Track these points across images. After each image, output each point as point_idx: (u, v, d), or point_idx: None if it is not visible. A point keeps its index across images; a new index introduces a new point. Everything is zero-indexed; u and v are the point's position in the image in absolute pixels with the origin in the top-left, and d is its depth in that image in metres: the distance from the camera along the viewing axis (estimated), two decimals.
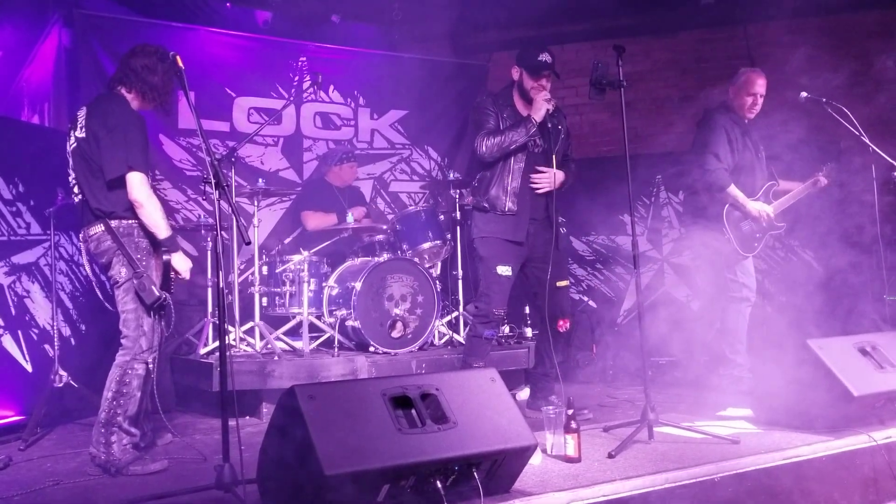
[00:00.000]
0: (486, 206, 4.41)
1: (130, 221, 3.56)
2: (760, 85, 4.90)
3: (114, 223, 3.55)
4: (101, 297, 3.88)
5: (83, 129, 3.57)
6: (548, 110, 4.31)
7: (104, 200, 3.54)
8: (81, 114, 3.64)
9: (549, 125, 4.37)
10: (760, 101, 4.94)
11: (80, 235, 3.70)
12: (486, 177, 4.44)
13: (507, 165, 4.38)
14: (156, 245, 3.62)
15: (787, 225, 5.17)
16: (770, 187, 5.08)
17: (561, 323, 4.43)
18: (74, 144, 3.62)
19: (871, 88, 6.85)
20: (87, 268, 3.80)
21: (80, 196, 3.64)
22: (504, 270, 4.35)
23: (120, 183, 3.48)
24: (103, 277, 3.96)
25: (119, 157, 3.45)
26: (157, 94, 3.69)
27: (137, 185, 3.47)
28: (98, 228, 3.57)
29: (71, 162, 3.66)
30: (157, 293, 3.52)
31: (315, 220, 5.97)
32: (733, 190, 4.85)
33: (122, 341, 3.58)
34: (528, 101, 4.41)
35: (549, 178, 4.40)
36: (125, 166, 3.45)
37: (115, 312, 3.65)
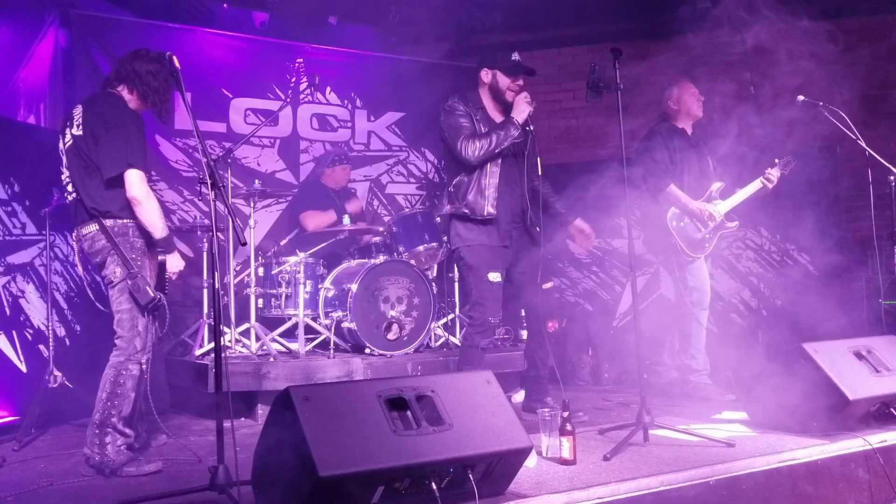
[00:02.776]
0: (466, 211, 4.30)
1: (125, 221, 3.55)
2: (694, 89, 5.34)
3: (108, 222, 3.53)
4: (92, 297, 3.86)
5: (80, 127, 3.55)
6: (530, 112, 4.26)
7: (99, 199, 3.52)
8: (77, 111, 3.62)
9: (531, 126, 4.30)
10: (702, 99, 5.33)
11: (74, 234, 3.69)
12: (463, 182, 4.33)
13: (484, 169, 4.29)
14: (150, 245, 3.61)
15: (739, 223, 5.35)
16: (718, 188, 5.26)
17: (550, 324, 4.43)
18: (70, 142, 3.60)
19: (869, 93, 6.88)
20: (80, 267, 3.80)
21: (74, 195, 3.62)
22: (495, 277, 4.30)
23: (117, 182, 3.47)
24: (98, 277, 3.95)
25: (119, 155, 3.44)
26: (159, 99, 3.70)
27: (136, 182, 3.46)
28: (92, 228, 3.56)
29: (65, 160, 3.65)
30: (152, 294, 3.51)
31: (315, 220, 5.96)
32: (673, 189, 5.11)
33: (117, 342, 3.57)
34: (501, 103, 4.37)
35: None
36: (125, 164, 3.43)
37: (110, 313, 3.64)
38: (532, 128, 4.33)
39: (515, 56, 4.34)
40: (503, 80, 4.35)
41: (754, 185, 5.19)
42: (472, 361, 4.37)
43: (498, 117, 4.39)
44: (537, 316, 4.36)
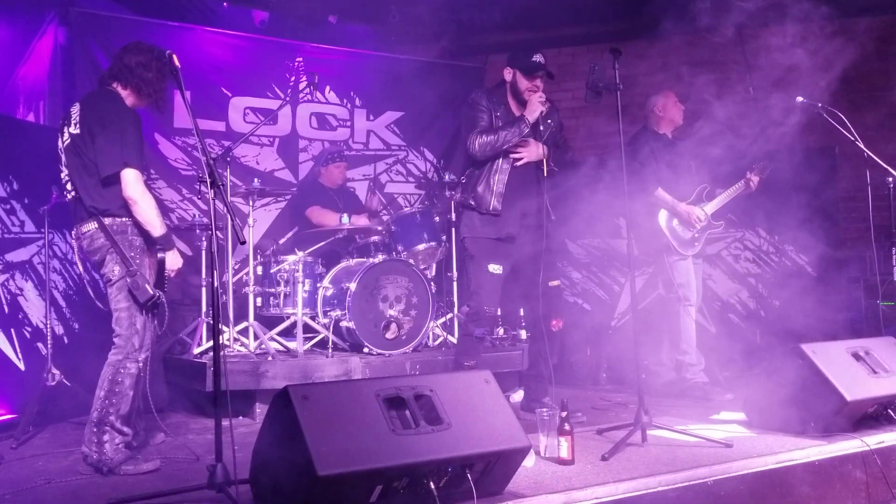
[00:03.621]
0: (473, 203, 4.40)
1: (124, 219, 3.54)
2: (673, 97, 5.50)
3: (107, 221, 3.53)
4: (92, 295, 3.86)
5: (77, 126, 3.55)
6: (542, 112, 4.32)
7: (98, 198, 3.52)
8: (75, 110, 3.62)
9: (542, 126, 4.37)
10: (682, 107, 5.50)
11: (73, 233, 3.68)
12: (474, 174, 4.44)
13: (495, 164, 4.36)
14: (149, 243, 3.61)
15: (724, 223, 5.56)
16: (703, 190, 5.43)
17: (554, 323, 4.44)
18: (68, 141, 3.59)
19: (868, 94, 6.88)
20: (80, 266, 3.79)
21: (72, 193, 3.61)
22: (495, 269, 4.34)
23: (115, 180, 3.46)
24: (96, 275, 3.94)
25: (115, 153, 3.44)
26: (152, 91, 3.67)
27: (132, 182, 3.45)
28: (91, 226, 3.55)
29: (63, 158, 3.64)
30: (151, 291, 3.50)
31: (320, 217, 5.95)
32: (661, 193, 5.30)
33: (115, 340, 3.56)
34: (521, 102, 4.42)
35: (528, 151, 4.37)
36: (121, 163, 3.43)
37: (108, 311, 3.64)
38: (545, 124, 4.38)
39: (537, 58, 4.39)
40: (521, 81, 4.41)
41: (736, 188, 5.38)
42: (467, 350, 4.41)
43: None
44: (543, 314, 4.38)
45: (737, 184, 5.36)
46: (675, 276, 5.31)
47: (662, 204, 5.30)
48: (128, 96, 3.66)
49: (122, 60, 3.65)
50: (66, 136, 3.61)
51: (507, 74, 4.47)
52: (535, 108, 4.31)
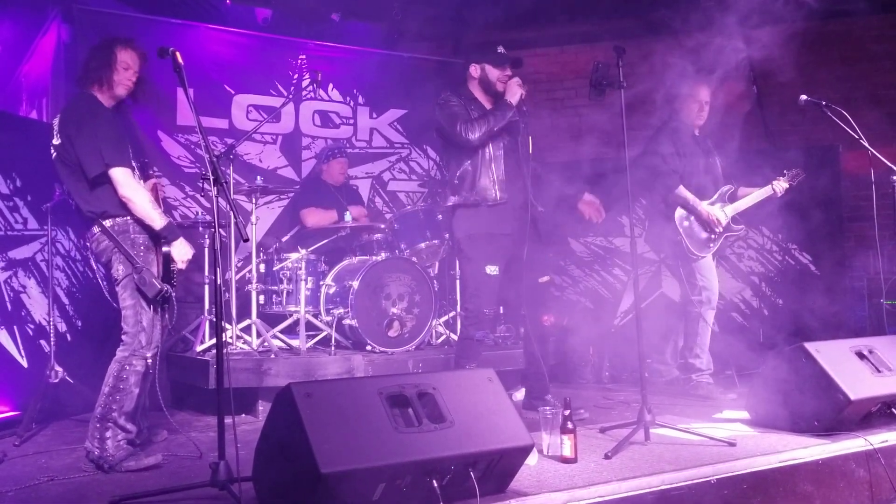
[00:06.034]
0: (476, 199, 4.34)
1: (125, 218, 3.55)
2: (705, 93, 5.23)
3: (108, 223, 3.54)
4: (108, 296, 3.87)
5: (58, 136, 3.57)
6: (522, 95, 4.34)
7: (93, 201, 3.53)
8: (55, 121, 3.64)
9: (525, 108, 4.39)
10: (706, 108, 5.23)
11: (86, 238, 3.71)
12: (468, 172, 4.38)
13: (486, 158, 4.36)
14: (154, 239, 3.61)
15: (744, 226, 5.32)
16: (726, 191, 5.24)
17: (545, 318, 4.45)
18: (55, 153, 3.61)
19: (872, 92, 6.86)
20: (96, 269, 3.81)
21: (73, 202, 3.64)
22: (492, 270, 4.33)
23: (103, 180, 3.48)
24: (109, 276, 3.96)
25: (95, 155, 3.45)
26: (101, 76, 3.61)
27: (122, 181, 3.47)
28: (95, 230, 3.58)
29: (57, 170, 3.65)
30: (159, 286, 3.50)
31: (314, 217, 5.96)
32: (682, 191, 5.10)
33: (123, 337, 3.58)
34: (492, 94, 4.46)
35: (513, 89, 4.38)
36: (101, 163, 3.44)
37: (112, 308, 3.64)
38: (523, 116, 4.40)
39: (500, 49, 4.46)
40: (492, 72, 4.45)
41: (762, 192, 5.18)
42: (467, 353, 4.40)
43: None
44: (534, 311, 4.38)
45: (763, 189, 5.17)
46: (698, 279, 5.11)
47: (682, 202, 5.10)
48: (100, 94, 3.64)
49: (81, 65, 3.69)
50: (52, 150, 3.63)
51: (475, 71, 4.50)
52: (515, 90, 4.35)
